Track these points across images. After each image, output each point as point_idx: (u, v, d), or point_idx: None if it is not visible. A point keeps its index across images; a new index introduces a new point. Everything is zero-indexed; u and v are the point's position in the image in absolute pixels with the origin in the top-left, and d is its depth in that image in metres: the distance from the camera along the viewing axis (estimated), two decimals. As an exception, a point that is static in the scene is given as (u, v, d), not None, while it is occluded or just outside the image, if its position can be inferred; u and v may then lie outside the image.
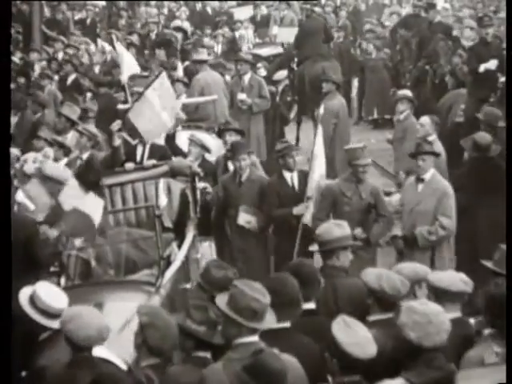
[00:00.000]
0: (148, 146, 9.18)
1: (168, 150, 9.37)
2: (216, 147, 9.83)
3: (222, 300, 4.71)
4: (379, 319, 5.19)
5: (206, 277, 5.58)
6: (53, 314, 5.24)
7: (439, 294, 5.23)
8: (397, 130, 10.71)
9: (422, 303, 4.79)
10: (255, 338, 4.65)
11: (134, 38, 15.59)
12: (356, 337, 4.51)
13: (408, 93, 11.03)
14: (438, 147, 9.00)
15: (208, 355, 4.82)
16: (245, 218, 8.42)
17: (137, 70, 12.39)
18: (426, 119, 9.50)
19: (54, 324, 5.19)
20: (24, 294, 5.34)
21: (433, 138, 9.19)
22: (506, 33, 9.96)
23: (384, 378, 4.52)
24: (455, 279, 5.34)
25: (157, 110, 9.00)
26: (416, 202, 7.99)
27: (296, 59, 15.53)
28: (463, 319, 5.34)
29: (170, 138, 10.23)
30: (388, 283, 5.20)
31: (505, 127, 8.97)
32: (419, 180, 8.05)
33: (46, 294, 5.32)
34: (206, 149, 9.36)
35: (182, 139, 10.15)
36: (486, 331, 5.04)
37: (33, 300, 5.30)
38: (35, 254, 6.58)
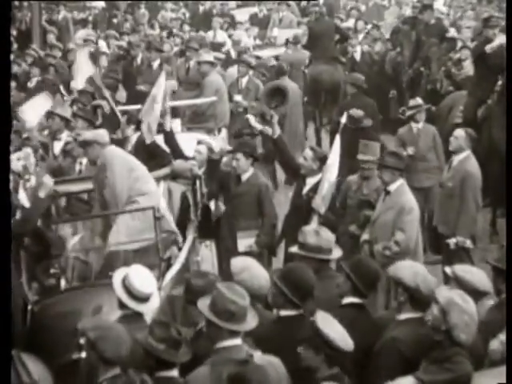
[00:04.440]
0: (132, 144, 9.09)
1: (154, 141, 9.28)
2: (217, 149, 9.78)
3: (203, 303, 4.72)
4: (409, 318, 5.13)
5: (189, 289, 5.33)
6: (140, 298, 5.34)
7: (468, 290, 5.09)
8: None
9: (464, 300, 4.72)
10: (238, 341, 4.65)
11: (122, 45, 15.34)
12: (339, 330, 4.62)
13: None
14: (472, 165, 8.57)
15: (174, 373, 4.70)
16: (245, 244, 8.15)
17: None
18: (460, 132, 8.72)
19: (140, 308, 5.33)
20: (118, 276, 5.44)
21: (466, 153, 8.60)
22: (506, 33, 9.90)
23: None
24: (485, 278, 5.27)
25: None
26: (377, 215, 7.70)
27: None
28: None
29: (170, 138, 10.10)
30: (424, 282, 5.10)
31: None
32: (386, 192, 7.72)
33: (137, 278, 5.38)
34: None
35: (185, 141, 10.04)
36: None
37: (124, 283, 5.39)
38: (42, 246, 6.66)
